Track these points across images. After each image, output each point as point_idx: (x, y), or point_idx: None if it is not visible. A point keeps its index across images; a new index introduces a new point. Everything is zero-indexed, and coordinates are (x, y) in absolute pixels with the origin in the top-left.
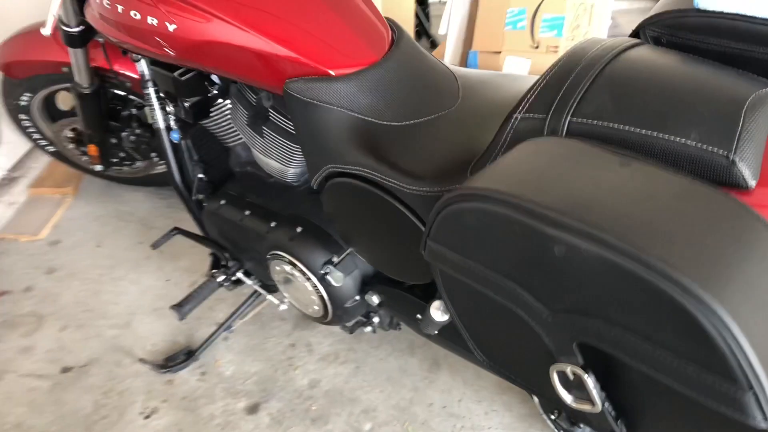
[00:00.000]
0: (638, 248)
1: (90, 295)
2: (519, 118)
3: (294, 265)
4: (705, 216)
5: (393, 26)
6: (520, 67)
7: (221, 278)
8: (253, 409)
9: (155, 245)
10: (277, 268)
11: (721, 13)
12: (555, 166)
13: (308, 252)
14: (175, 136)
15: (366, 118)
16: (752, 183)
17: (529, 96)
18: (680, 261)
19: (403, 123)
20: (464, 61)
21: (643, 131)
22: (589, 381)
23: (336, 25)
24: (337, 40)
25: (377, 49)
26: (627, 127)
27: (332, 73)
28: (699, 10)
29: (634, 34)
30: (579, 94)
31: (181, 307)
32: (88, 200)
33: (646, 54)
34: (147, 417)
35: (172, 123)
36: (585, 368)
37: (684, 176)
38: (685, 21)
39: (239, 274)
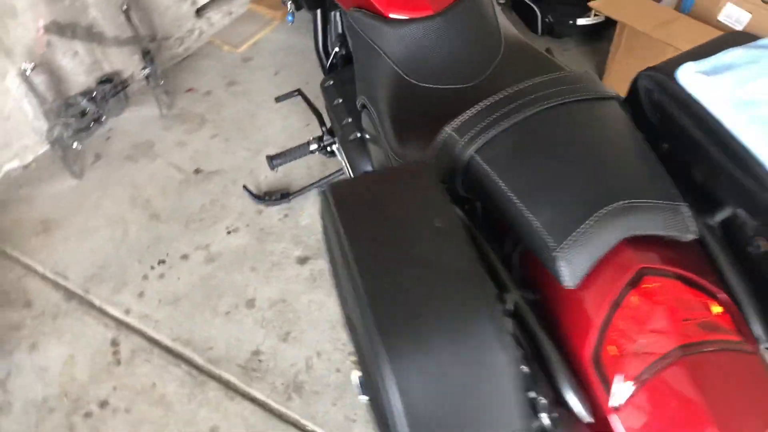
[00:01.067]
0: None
1: (246, 116)
2: (447, 131)
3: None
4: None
5: None
6: (737, 20)
7: (314, 146)
8: (302, 261)
9: (278, 99)
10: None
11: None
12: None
13: (352, 159)
14: None
15: (398, 70)
16: (569, 283)
17: (466, 113)
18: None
19: (427, 85)
20: (680, 2)
21: (511, 195)
22: None
23: None
24: None
25: (437, 1)
26: (502, 185)
27: (387, 14)
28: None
29: (634, 80)
30: (493, 133)
31: (273, 159)
32: (288, 29)
33: (580, 116)
34: (229, 233)
35: None
36: None
37: (471, 258)
38: (669, 85)
39: (333, 148)
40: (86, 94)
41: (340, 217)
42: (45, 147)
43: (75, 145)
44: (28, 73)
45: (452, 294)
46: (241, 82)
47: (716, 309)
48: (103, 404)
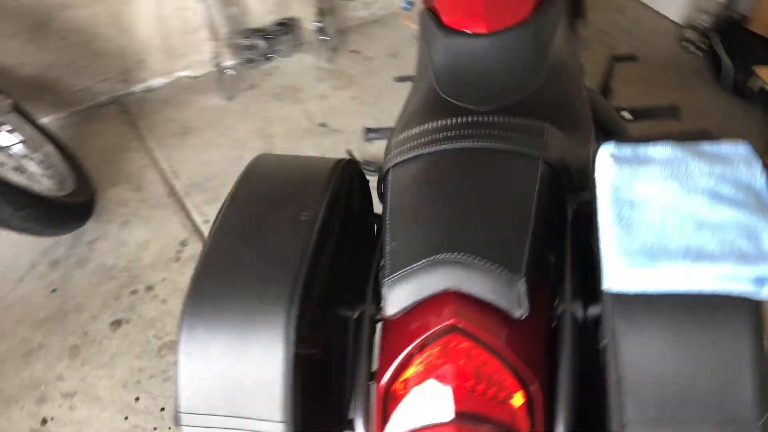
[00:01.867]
0: None
1: (391, 88)
2: (393, 137)
3: None
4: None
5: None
6: None
7: None
8: None
9: (397, 79)
10: None
11: None
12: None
13: None
14: None
15: (434, 80)
16: (388, 311)
17: (414, 128)
18: None
19: (455, 102)
20: None
21: (387, 214)
22: None
23: None
24: None
25: (492, 19)
26: (388, 202)
27: (443, 20)
28: None
29: None
30: (412, 154)
31: (370, 131)
32: None
33: (485, 164)
34: None
35: None
36: None
37: (300, 256)
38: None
39: None
40: (261, 31)
41: (237, 182)
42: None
43: (231, 72)
44: None
45: (258, 281)
46: (403, 56)
47: (518, 398)
48: (149, 288)
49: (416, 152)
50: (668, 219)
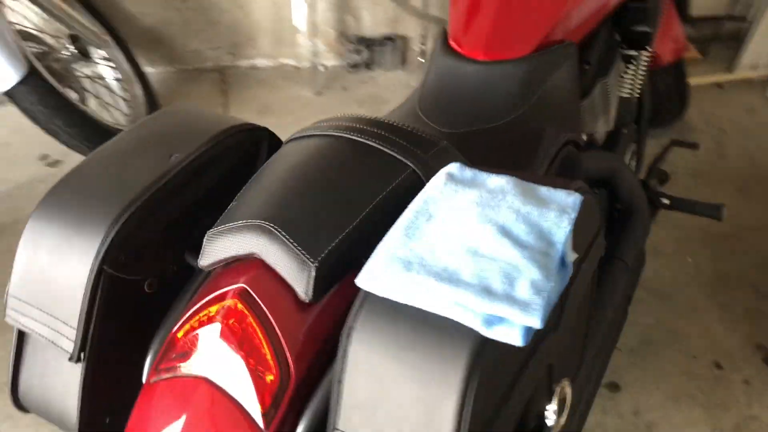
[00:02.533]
0: None
1: None
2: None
3: None
4: None
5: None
6: None
7: None
8: None
9: None
10: None
11: None
12: None
13: None
14: None
15: (416, 99)
16: (199, 263)
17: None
18: None
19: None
20: None
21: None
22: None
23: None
24: (482, 15)
25: (491, 48)
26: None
27: (449, 40)
28: None
29: None
30: (302, 134)
31: None
32: None
33: (356, 157)
34: None
35: None
36: None
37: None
38: None
39: None
40: (369, 41)
41: (146, 118)
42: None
43: (320, 67)
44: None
45: (97, 196)
46: None
47: (269, 378)
48: None
49: (310, 132)
50: (448, 239)
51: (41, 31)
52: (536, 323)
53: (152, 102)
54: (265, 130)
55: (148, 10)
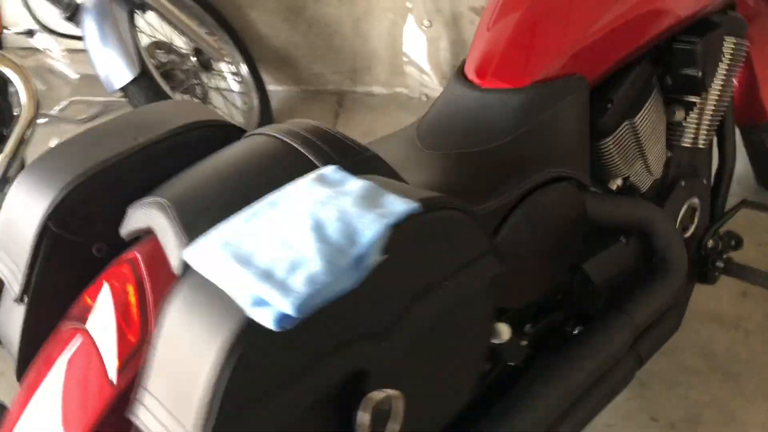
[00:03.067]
0: None
1: None
2: None
3: None
4: None
5: None
6: None
7: None
8: None
9: None
10: None
11: None
12: None
13: None
14: None
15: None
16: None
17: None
18: None
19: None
20: None
21: None
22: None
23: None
24: (490, 46)
25: (492, 76)
26: None
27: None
28: None
29: None
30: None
31: None
32: None
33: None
34: None
35: None
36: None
37: None
38: None
39: None
40: None
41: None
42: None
43: (424, 98)
44: (425, 25)
45: (61, 166)
46: None
47: (132, 338)
48: None
49: (257, 131)
50: (271, 228)
51: (171, 43)
52: (289, 310)
53: (267, 115)
54: (239, 129)
55: (277, 33)
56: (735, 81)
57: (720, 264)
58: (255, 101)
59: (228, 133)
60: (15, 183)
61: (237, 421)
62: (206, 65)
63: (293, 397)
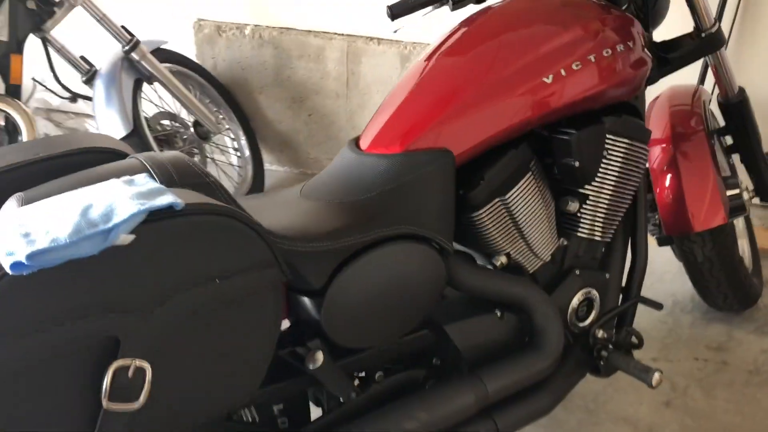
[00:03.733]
0: None
1: None
2: None
3: None
4: None
5: None
6: None
7: None
8: None
9: None
10: None
11: None
12: None
13: None
14: None
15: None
16: None
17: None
18: None
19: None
20: None
21: None
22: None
23: (391, 107)
24: (378, 117)
25: (374, 143)
26: None
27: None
28: None
29: None
30: None
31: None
32: None
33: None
34: None
35: None
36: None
37: None
38: None
39: None
40: None
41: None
42: None
43: None
44: None
45: None
46: None
47: None
48: None
49: (133, 156)
50: (58, 204)
51: (177, 114)
52: (23, 258)
53: (258, 189)
54: (132, 157)
55: (281, 118)
56: (635, 182)
57: (604, 353)
58: (249, 175)
59: (119, 158)
60: None
61: None
62: (204, 136)
63: (44, 343)
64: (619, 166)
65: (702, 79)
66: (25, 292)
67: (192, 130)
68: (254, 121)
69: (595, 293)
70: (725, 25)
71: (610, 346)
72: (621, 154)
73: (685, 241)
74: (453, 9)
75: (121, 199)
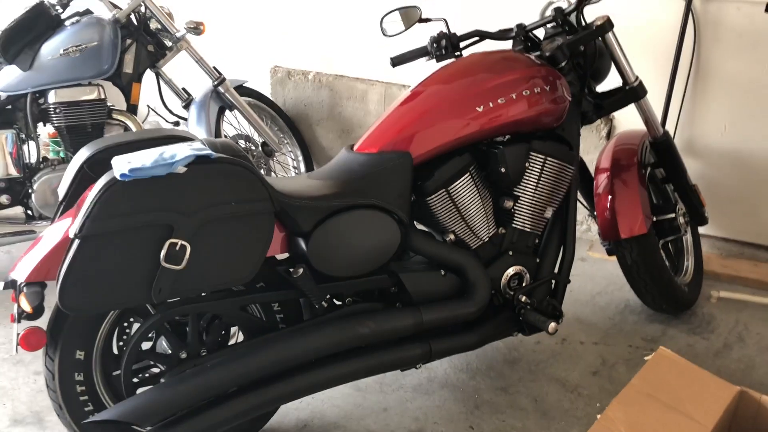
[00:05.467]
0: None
1: None
2: None
3: None
4: None
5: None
6: None
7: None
8: None
9: None
10: None
11: None
12: None
13: None
14: None
15: None
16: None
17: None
18: None
19: None
20: None
21: None
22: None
23: (379, 121)
24: (369, 128)
25: (361, 146)
26: None
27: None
28: None
29: None
30: None
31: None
32: None
33: None
34: None
35: None
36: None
37: None
38: None
39: None
40: None
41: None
42: None
43: None
44: None
45: None
46: None
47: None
48: None
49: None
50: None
51: (251, 136)
52: (125, 171)
53: None
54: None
55: (333, 145)
56: (559, 190)
57: (523, 312)
58: None
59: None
60: None
61: (98, 222)
62: (269, 154)
63: (134, 221)
64: (541, 176)
65: (663, 123)
66: (127, 191)
67: (260, 148)
68: (311, 147)
69: (525, 271)
70: (680, 84)
71: (529, 308)
72: (542, 168)
73: (618, 247)
74: (438, 61)
75: (182, 149)
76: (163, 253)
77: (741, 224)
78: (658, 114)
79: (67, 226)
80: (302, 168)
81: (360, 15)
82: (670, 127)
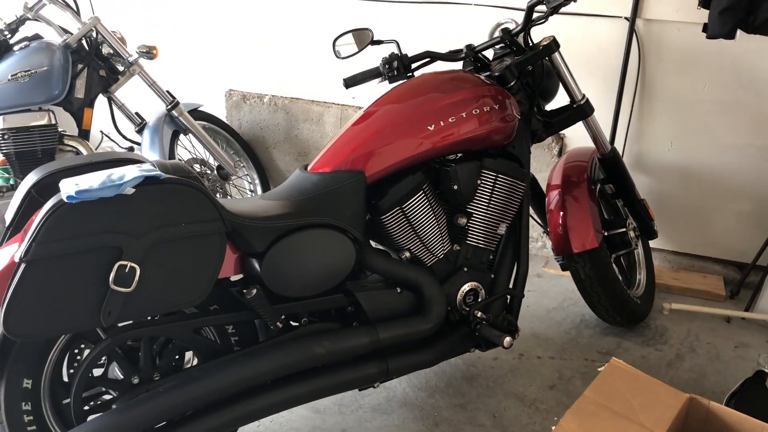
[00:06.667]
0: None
1: None
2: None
3: None
4: None
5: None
6: None
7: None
8: None
9: None
10: None
11: None
12: None
13: None
14: None
15: None
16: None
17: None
18: None
19: None
20: None
21: None
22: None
23: (330, 142)
24: (323, 148)
25: (318, 163)
26: None
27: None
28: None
29: None
30: None
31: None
32: None
33: None
34: None
35: None
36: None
37: None
38: None
39: None
40: None
41: None
42: None
43: None
44: None
45: None
46: None
47: None
48: None
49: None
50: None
51: (206, 160)
52: (73, 193)
53: None
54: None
55: (290, 168)
56: (511, 206)
57: (479, 328)
58: None
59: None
60: None
61: (45, 246)
62: (225, 177)
63: (82, 244)
64: (493, 193)
65: (612, 139)
66: (74, 214)
67: (216, 172)
68: (268, 169)
69: (480, 287)
70: (627, 102)
71: (484, 323)
72: (494, 185)
73: (572, 262)
74: (390, 82)
75: (131, 170)
76: (112, 275)
77: (690, 237)
78: (607, 131)
79: (14, 251)
80: (259, 191)
81: (314, 38)
82: (618, 143)
